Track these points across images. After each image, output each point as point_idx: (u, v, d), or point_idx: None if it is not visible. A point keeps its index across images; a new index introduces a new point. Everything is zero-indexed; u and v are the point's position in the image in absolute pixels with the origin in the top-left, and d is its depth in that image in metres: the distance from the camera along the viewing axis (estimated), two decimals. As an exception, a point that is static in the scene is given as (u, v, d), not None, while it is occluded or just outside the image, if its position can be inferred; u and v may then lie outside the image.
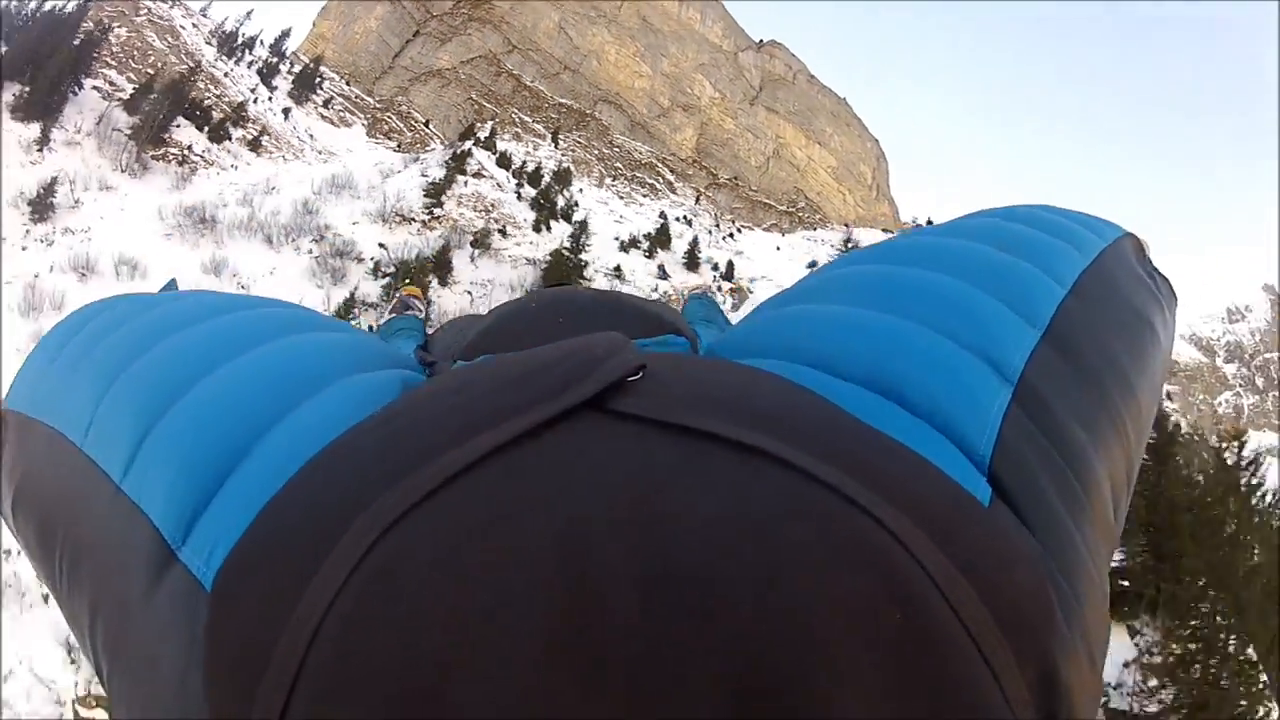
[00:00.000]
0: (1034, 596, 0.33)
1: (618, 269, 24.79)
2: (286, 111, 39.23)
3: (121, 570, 0.37)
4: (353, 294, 15.35)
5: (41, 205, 18.36)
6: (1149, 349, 0.53)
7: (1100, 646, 0.39)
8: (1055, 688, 0.32)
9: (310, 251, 18.82)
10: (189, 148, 25.89)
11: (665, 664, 0.25)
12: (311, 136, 37.47)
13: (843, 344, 0.47)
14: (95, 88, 26.82)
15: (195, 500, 0.37)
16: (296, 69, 47.62)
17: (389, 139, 37.46)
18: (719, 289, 27.54)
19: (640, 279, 25.39)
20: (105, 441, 0.42)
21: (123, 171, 22.20)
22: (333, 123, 42.75)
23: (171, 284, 0.61)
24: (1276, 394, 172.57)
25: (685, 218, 40.55)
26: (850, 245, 19.17)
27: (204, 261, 16.97)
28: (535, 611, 0.26)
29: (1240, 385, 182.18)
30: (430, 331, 0.85)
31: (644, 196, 39.30)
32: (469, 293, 18.10)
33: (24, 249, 17.17)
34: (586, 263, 21.10)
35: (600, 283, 21.93)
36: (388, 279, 16.34)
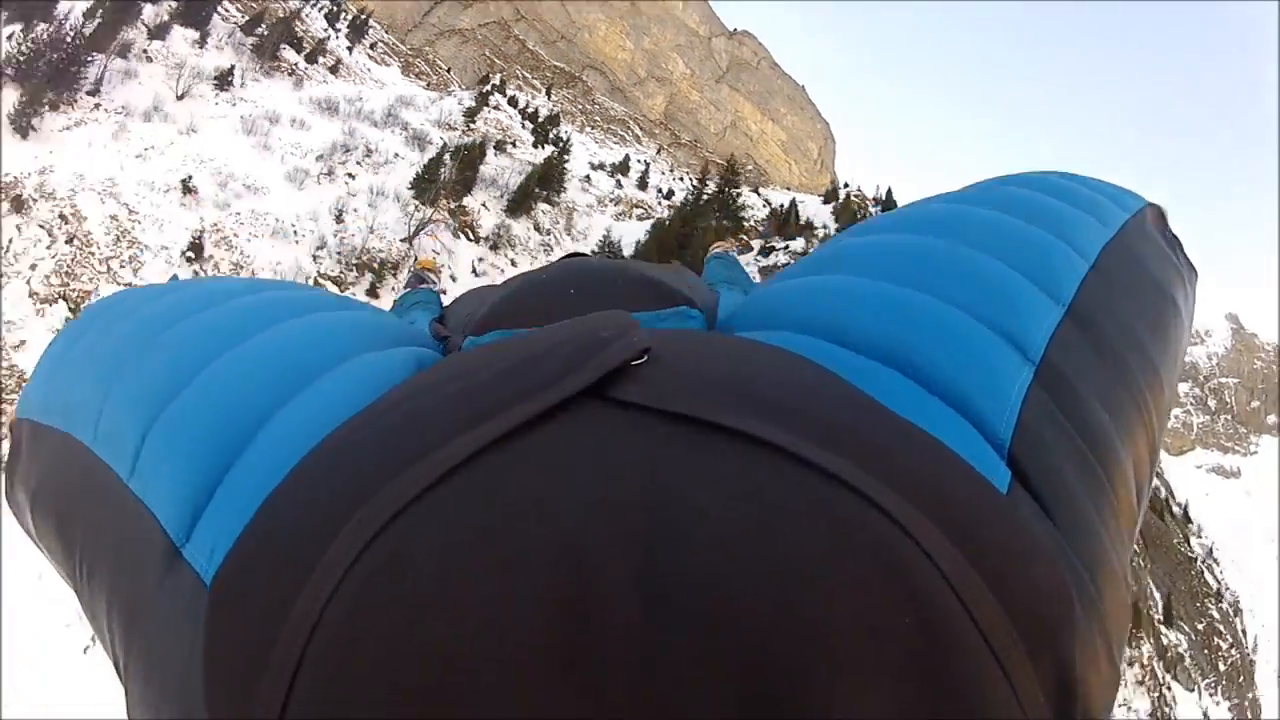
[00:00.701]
0: (1051, 592, 0.31)
1: (587, 177, 35.93)
2: (350, 49, 48.49)
3: (133, 568, 0.37)
4: (438, 154, 26.47)
5: (223, 80, 28.68)
6: (1171, 326, 0.51)
7: (1119, 639, 0.37)
8: (1071, 685, 0.30)
9: (401, 134, 29.83)
10: (295, 65, 36.20)
11: (667, 665, 0.24)
12: (368, 70, 47.33)
13: (858, 317, 0.44)
14: (217, 12, 36.88)
15: (196, 496, 0.36)
16: (349, 15, 57.00)
17: (419, 79, 47.19)
18: (659, 204, 39.03)
19: (603, 187, 36.49)
20: (112, 440, 0.41)
21: (258, 72, 32.63)
22: (377, 61, 52.17)
23: (174, 279, 0.74)
24: (1228, 417, 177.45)
25: (645, 161, 51.15)
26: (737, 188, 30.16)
27: (341, 129, 27.71)
28: (535, 610, 0.25)
29: (1191, 404, 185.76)
30: (446, 304, 0.88)
31: (615, 143, 49.25)
32: (494, 170, 29.30)
33: (215, 104, 27.52)
34: (568, 164, 32.34)
35: (573, 185, 32.97)
36: (450, 152, 27.42)
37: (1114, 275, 0.49)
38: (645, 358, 0.35)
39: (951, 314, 0.43)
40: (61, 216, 17.63)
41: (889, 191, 40.31)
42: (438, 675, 0.25)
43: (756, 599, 0.25)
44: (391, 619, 0.26)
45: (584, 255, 0.70)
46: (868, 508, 0.28)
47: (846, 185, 49.58)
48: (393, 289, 20.16)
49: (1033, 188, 0.55)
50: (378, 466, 0.31)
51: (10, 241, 16.68)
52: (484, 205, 26.29)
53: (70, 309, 16.12)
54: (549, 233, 28.21)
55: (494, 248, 25.42)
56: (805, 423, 0.32)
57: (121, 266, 17.36)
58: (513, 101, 44.31)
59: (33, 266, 16.47)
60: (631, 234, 27.50)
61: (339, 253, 20.63)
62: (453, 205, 24.77)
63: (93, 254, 17.23)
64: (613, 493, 0.28)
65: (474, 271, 23.64)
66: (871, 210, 34.34)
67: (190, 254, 18.25)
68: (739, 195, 30.84)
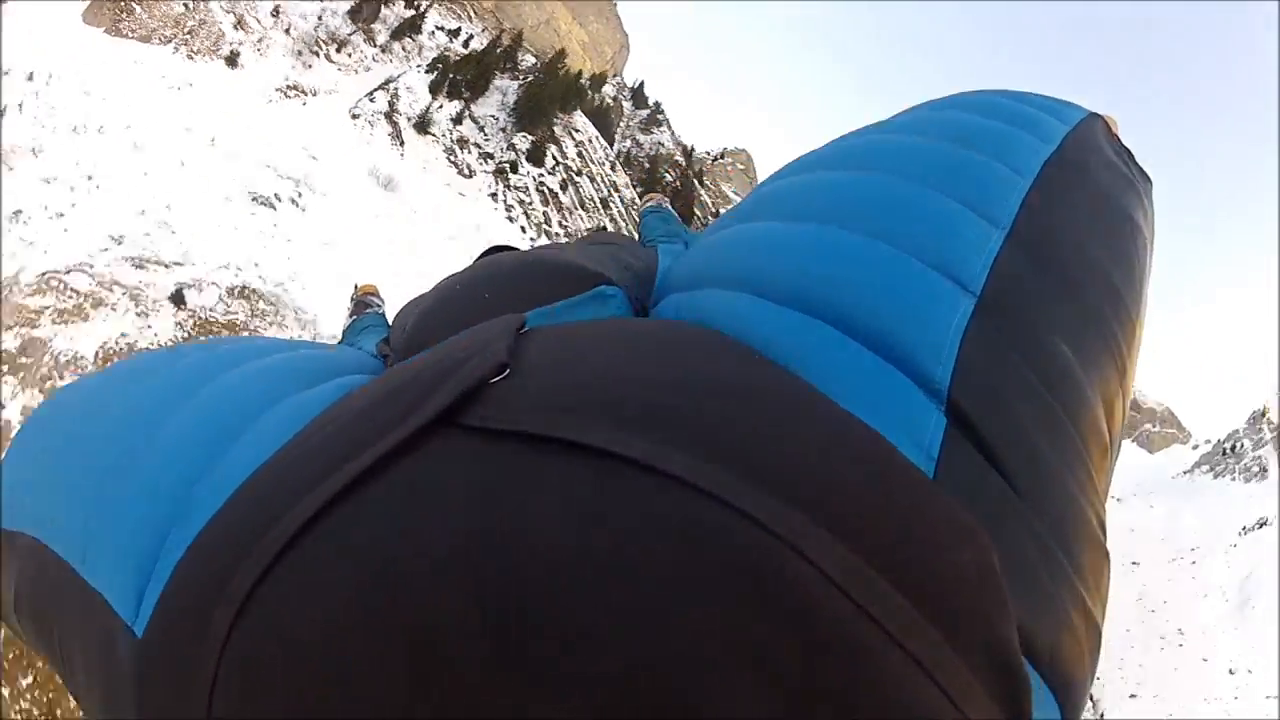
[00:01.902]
0: (974, 575, 0.29)
1: (433, 33, 63.01)
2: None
3: (101, 654, 0.37)
4: (359, 2, 52.92)
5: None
6: (1130, 243, 0.47)
7: (1096, 591, 0.35)
8: (1012, 666, 0.29)
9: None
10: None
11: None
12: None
13: (777, 266, 0.42)
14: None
15: (139, 575, 0.36)
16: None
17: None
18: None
19: (441, 40, 63.81)
20: (62, 534, 0.42)
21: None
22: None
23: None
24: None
25: (472, 34, 76.90)
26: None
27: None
28: (385, 675, 0.24)
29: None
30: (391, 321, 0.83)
31: (453, 20, 75.06)
32: (383, 16, 55.88)
33: None
34: (423, 23, 59.31)
35: (425, 35, 59.98)
36: (365, 4, 53.71)
37: (1059, 192, 0.45)
38: (506, 372, 0.33)
39: (877, 250, 0.40)
40: (226, 10, 43.43)
41: (642, 84, 69.81)
42: None
43: (604, 638, 0.23)
44: (263, 702, 0.26)
45: (504, 249, 0.73)
46: (730, 515, 0.26)
47: (617, 75, 78.27)
48: (344, 54, 47.50)
49: (964, 109, 0.52)
50: (249, 530, 0.31)
51: (216, 8, 42.55)
52: (379, 32, 53.41)
53: (228, 53, 42.31)
54: (410, 52, 55.29)
55: (383, 51, 52.47)
56: (670, 425, 0.29)
57: (261, 39, 43.61)
58: (388, -24, 69.45)
59: (220, 29, 42.42)
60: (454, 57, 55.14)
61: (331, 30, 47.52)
62: (366, 29, 51.79)
63: (248, 28, 43.35)
64: (454, 538, 0.27)
65: (374, 59, 50.87)
66: (610, 80, 62.91)
67: (300, 58, 45.00)
68: (520, 51, 59.52)
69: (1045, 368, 0.37)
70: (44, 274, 16.44)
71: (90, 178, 20.95)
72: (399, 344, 0.57)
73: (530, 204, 41.03)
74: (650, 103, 66.21)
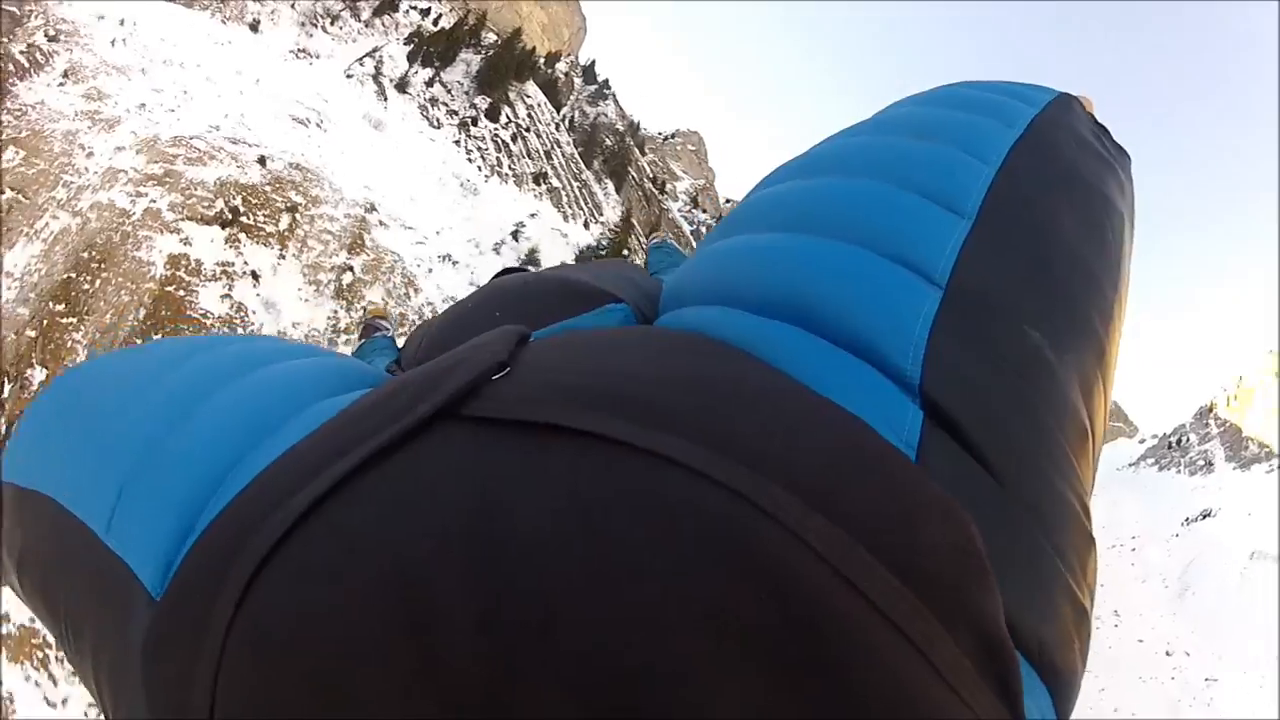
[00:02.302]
0: (954, 549, 0.29)
1: (407, 11, 73.48)
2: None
3: (116, 624, 0.37)
4: (345, -20, 63.28)
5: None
6: (1105, 222, 0.46)
7: (1086, 579, 0.35)
8: (997, 643, 0.28)
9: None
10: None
11: (515, 691, 0.24)
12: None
13: (747, 275, 0.42)
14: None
15: (170, 548, 0.37)
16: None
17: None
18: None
19: (413, 17, 74.18)
20: (87, 497, 0.41)
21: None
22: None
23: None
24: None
25: (441, 13, 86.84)
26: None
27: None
28: (382, 656, 0.25)
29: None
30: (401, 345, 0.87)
31: (425, 2, 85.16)
32: (366, -6, 66.14)
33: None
34: (399, 6, 69.76)
35: (402, 13, 70.36)
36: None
37: (1026, 176, 0.45)
38: (506, 371, 0.35)
39: (840, 251, 0.40)
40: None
41: (593, 62, 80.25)
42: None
43: (585, 607, 0.24)
44: (261, 690, 0.27)
45: (515, 271, 0.74)
46: (723, 495, 0.26)
47: (572, 54, 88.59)
48: (337, 26, 57.85)
49: (928, 103, 0.52)
50: (253, 518, 0.32)
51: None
52: (363, 9, 63.86)
53: (250, 20, 52.27)
54: (389, 27, 65.58)
55: (367, 26, 62.80)
56: (663, 412, 0.30)
57: (273, 10, 53.65)
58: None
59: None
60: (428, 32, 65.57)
61: None
62: (352, 6, 62.20)
63: (262, 0, 53.35)
64: (446, 519, 0.28)
65: (359, 32, 61.19)
66: (564, 58, 72.87)
67: (303, 28, 55.12)
68: (484, 30, 70.21)
69: (1017, 355, 0.37)
70: (176, 136, 27.11)
71: (185, 92, 31.56)
72: (411, 362, 0.59)
73: (486, 150, 51.59)
74: (599, 79, 77.43)
